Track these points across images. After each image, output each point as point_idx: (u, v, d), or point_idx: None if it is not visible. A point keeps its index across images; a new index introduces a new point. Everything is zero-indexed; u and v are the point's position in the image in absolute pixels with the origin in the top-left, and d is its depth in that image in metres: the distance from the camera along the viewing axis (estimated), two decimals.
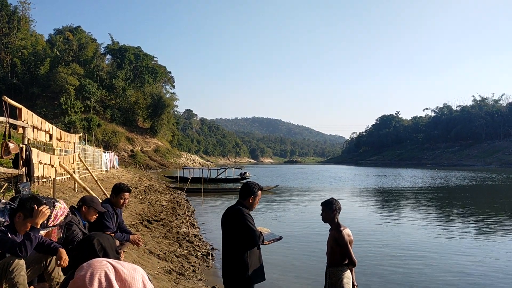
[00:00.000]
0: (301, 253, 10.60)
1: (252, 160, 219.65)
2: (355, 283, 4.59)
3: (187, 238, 11.02)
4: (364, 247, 10.77)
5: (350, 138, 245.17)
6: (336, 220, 4.49)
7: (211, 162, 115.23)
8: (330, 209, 4.50)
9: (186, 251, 9.53)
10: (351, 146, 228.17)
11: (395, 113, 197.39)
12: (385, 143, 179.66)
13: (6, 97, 6.59)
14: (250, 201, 4.43)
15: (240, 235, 4.29)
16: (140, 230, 10.38)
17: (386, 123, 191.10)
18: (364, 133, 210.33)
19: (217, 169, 41.39)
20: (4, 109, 6.56)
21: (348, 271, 4.45)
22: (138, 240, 5.77)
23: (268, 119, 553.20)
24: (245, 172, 40.48)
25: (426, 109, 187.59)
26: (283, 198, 25.40)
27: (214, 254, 9.78)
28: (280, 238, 4.69)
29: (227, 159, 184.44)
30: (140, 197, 17.99)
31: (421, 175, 56.58)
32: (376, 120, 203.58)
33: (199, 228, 13.67)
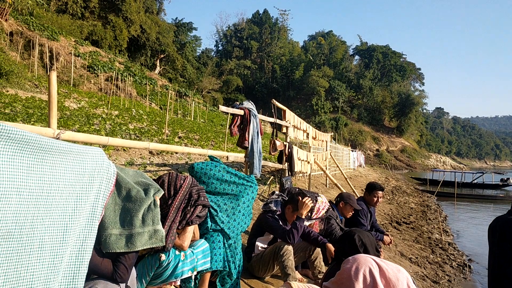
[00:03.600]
0: None
1: None
2: None
3: (440, 245, 10.28)
4: None
5: None
6: None
7: (465, 165, 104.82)
8: None
9: (439, 259, 8.90)
10: None
11: None
12: None
13: (274, 100, 7.48)
14: None
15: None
16: (389, 230, 10.25)
17: None
18: None
19: (473, 173, 37.17)
20: (271, 110, 7.48)
21: None
22: (390, 242, 5.71)
23: None
24: (508, 178, 35.04)
25: None
26: None
27: (472, 266, 8.84)
28: None
29: (483, 162, 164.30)
30: (388, 198, 17.79)
31: None
32: None
33: (452, 235, 12.58)
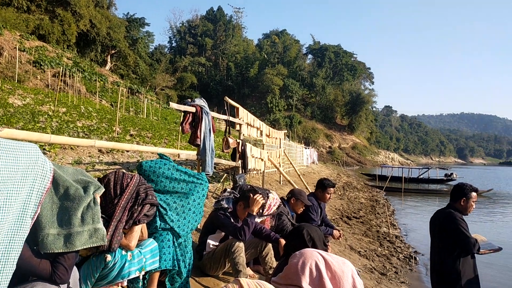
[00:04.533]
0: None
1: (459, 160, 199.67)
2: None
3: (388, 238, 10.67)
4: None
5: None
6: None
7: (412, 161, 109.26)
8: None
9: (387, 251, 9.24)
10: None
11: None
12: None
13: (227, 98, 7.46)
14: (462, 204, 4.05)
15: (452, 240, 3.96)
16: (340, 225, 10.52)
17: None
18: None
19: (419, 169, 38.86)
20: (225, 108, 7.46)
21: None
22: (340, 236, 5.86)
23: (479, 115, 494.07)
24: (452, 173, 36.94)
25: None
26: (497, 205, 22.33)
27: (417, 258, 9.23)
28: (500, 249, 4.15)
29: (429, 158, 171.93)
30: (339, 193, 18.24)
31: None
32: None
33: (399, 229, 13.09)
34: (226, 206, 4.15)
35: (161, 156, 3.55)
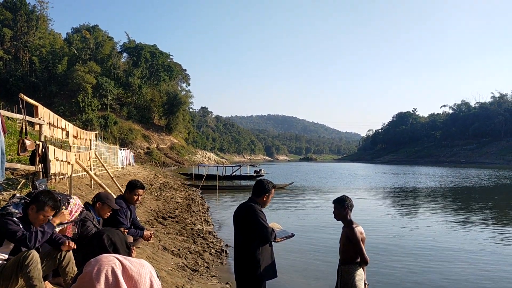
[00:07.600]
0: (313, 250, 10.55)
1: (267, 158, 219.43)
2: (366, 282, 4.54)
3: (201, 235, 11.07)
4: (377, 246, 10.65)
5: (366, 135, 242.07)
6: (348, 217, 4.46)
7: (226, 160, 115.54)
8: (342, 207, 4.47)
9: (200, 248, 9.57)
10: (367, 144, 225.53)
11: (412, 110, 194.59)
12: (401, 141, 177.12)
13: (22, 95, 6.68)
14: (264, 199, 4.46)
15: (253, 231, 4.30)
16: (155, 226, 10.46)
17: (403, 120, 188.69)
18: (380, 130, 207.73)
19: (232, 167, 41.44)
20: (21, 106, 6.68)
21: (361, 269, 4.39)
22: (150, 236, 5.84)
23: (283, 117, 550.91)
24: (260, 170, 40.52)
25: (444, 106, 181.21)
26: (297, 196, 25.33)
27: (228, 251, 9.80)
28: (292, 235, 4.69)
29: (242, 156, 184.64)
30: (156, 194, 18.13)
31: (439, 173, 55.72)
32: (393, 117, 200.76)
33: (213, 225, 13.72)
34: (15, 211, 3.70)
35: None
